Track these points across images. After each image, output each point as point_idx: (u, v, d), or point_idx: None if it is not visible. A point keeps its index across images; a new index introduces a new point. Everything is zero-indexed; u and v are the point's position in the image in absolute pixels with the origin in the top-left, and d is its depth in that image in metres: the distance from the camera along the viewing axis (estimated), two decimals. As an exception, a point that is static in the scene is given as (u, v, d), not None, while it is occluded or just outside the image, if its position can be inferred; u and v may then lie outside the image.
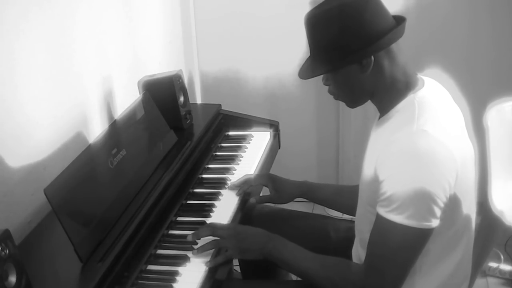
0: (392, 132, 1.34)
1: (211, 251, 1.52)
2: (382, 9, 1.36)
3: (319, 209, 2.78)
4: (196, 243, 1.54)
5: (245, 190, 1.82)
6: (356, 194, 1.53)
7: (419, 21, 2.60)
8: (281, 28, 2.85)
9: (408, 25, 1.39)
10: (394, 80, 1.38)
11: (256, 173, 1.95)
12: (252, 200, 1.80)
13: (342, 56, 1.35)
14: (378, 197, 1.32)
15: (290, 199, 1.84)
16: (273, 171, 1.98)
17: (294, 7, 2.72)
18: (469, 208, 1.41)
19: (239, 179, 1.86)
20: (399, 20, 1.39)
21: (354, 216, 1.58)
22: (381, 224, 1.32)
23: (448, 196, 1.29)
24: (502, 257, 2.55)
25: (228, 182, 1.88)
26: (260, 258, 1.52)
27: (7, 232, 1.25)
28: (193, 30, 2.90)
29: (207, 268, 1.46)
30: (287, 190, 1.82)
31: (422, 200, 1.26)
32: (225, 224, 1.64)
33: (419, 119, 1.31)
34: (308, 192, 1.83)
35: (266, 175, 1.89)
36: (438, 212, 1.29)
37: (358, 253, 1.54)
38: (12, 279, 1.25)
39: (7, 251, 1.23)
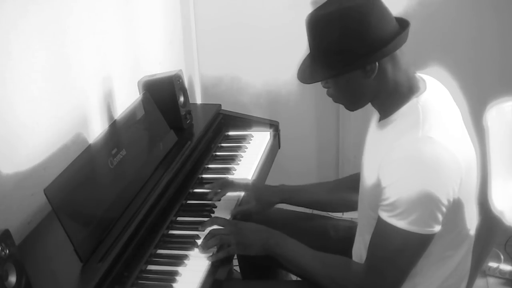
0: (396, 137, 1.32)
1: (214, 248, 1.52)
2: (386, 13, 1.33)
3: (319, 209, 2.77)
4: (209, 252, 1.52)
5: (223, 194, 1.78)
6: (347, 189, 1.51)
7: (419, 20, 2.59)
8: (281, 29, 2.84)
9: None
10: (397, 85, 1.36)
11: (235, 181, 1.85)
12: (233, 212, 1.72)
13: (346, 61, 1.31)
14: (380, 202, 1.32)
15: (270, 207, 1.79)
16: (273, 174, 1.97)
17: (294, 6, 2.72)
18: (471, 210, 1.41)
19: (217, 181, 1.81)
20: (402, 24, 1.36)
21: (349, 211, 1.57)
22: (382, 227, 1.32)
23: (451, 201, 1.28)
24: (502, 257, 2.55)
25: (228, 182, 1.88)
26: (262, 254, 1.52)
27: (7, 232, 1.25)
28: (193, 31, 2.90)
29: (207, 268, 1.46)
30: (265, 198, 1.77)
31: (426, 206, 1.26)
32: (228, 220, 1.64)
33: (424, 124, 1.29)
34: (290, 198, 1.78)
35: (244, 183, 1.82)
36: (440, 217, 1.28)
37: (360, 252, 1.53)
38: (12, 279, 1.25)
39: (7, 251, 1.23)
